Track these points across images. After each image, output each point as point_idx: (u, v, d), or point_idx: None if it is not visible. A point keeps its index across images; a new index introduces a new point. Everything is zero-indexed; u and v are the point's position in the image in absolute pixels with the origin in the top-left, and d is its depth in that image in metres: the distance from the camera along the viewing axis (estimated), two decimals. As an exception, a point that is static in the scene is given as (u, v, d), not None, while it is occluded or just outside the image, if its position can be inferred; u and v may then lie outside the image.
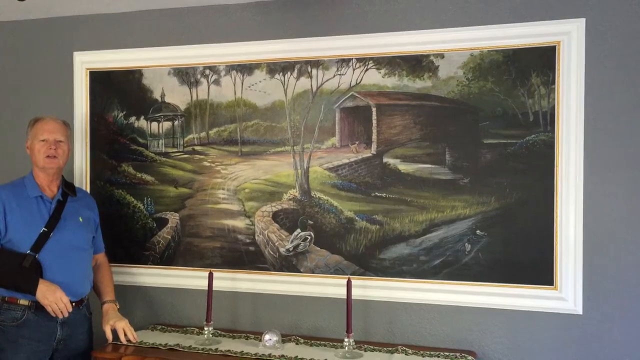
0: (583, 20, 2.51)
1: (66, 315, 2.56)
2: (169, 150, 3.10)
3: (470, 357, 2.55)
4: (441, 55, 2.69)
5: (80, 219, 2.74)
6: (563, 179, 2.53)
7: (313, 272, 2.86)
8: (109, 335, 2.69)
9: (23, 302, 2.55)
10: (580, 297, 2.53)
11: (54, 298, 2.51)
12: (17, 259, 2.53)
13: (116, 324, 2.69)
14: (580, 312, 2.54)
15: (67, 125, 2.80)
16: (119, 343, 2.67)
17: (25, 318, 2.54)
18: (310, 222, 2.87)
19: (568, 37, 2.52)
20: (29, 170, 2.74)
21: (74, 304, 2.60)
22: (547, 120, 2.56)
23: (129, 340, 2.68)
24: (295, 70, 2.88)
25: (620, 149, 2.49)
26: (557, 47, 2.54)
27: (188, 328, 2.94)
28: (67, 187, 2.77)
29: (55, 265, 2.58)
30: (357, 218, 2.80)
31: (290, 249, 2.90)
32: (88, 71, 3.19)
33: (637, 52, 2.47)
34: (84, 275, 2.72)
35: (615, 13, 2.48)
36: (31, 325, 2.55)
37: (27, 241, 2.56)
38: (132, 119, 3.15)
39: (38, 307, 2.54)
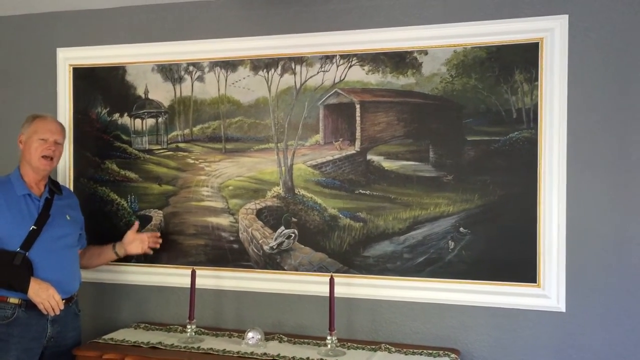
0: (566, 17, 2.50)
1: (58, 312, 2.55)
2: (153, 147, 3.08)
3: (453, 355, 2.55)
4: (425, 52, 2.67)
5: (68, 217, 2.74)
6: (546, 176, 2.53)
7: (297, 270, 2.85)
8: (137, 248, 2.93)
9: (13, 300, 2.53)
10: (563, 294, 2.52)
11: (46, 295, 2.51)
12: (7, 257, 2.51)
13: (141, 235, 2.92)
14: (564, 310, 2.53)
15: (64, 128, 2.80)
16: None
17: (15, 316, 2.53)
18: (294, 219, 2.86)
19: (551, 34, 2.51)
20: (12, 166, 2.72)
21: (64, 301, 2.59)
22: (530, 117, 2.55)
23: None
24: (279, 67, 2.87)
25: (602, 146, 2.49)
26: (540, 44, 2.53)
27: (171, 326, 2.93)
28: (54, 186, 2.76)
29: (45, 263, 2.57)
30: (340, 215, 2.79)
31: (274, 247, 2.89)
32: (71, 67, 3.17)
33: (620, 48, 2.46)
34: (73, 272, 2.72)
35: (598, 10, 2.48)
36: (22, 324, 2.53)
37: (17, 239, 2.55)
38: (116, 115, 3.12)
39: (28, 305, 2.53)
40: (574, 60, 2.50)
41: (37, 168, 2.65)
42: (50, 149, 2.65)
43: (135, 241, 2.93)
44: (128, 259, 3.07)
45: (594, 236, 2.50)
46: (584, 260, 2.51)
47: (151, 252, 2.98)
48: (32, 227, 2.58)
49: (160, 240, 2.99)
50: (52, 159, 2.67)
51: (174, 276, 3.02)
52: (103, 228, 3.10)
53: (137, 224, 2.98)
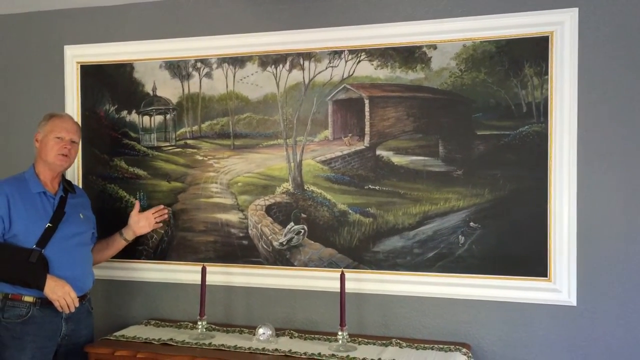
0: (576, 10, 2.48)
1: (73, 310, 2.56)
2: (161, 144, 3.08)
3: (464, 350, 2.55)
4: (434, 47, 2.67)
5: (81, 216, 2.76)
6: (556, 170, 2.52)
7: (306, 266, 2.85)
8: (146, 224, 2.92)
9: (28, 298, 2.54)
10: (574, 288, 2.52)
11: (62, 293, 2.52)
12: (24, 254, 2.52)
13: (143, 213, 2.93)
14: (574, 304, 2.53)
15: (80, 127, 2.82)
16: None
17: (30, 315, 2.54)
18: (303, 215, 2.86)
19: (561, 27, 2.50)
20: (24, 164, 2.73)
21: (78, 298, 2.60)
22: (541, 111, 2.54)
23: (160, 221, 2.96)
24: (287, 63, 2.86)
25: (613, 139, 2.48)
26: (550, 37, 2.52)
27: (182, 323, 2.94)
28: (67, 184, 2.78)
29: (60, 260, 2.58)
30: (350, 211, 2.79)
31: (284, 243, 2.89)
32: (79, 65, 3.16)
33: (630, 42, 2.45)
34: (87, 270, 2.74)
35: (608, 3, 2.47)
36: (36, 322, 2.55)
37: (32, 236, 2.56)
38: (124, 112, 3.12)
39: (43, 304, 2.54)
40: (585, 54, 2.49)
41: (53, 164, 2.66)
42: (66, 147, 2.67)
43: (141, 220, 2.94)
44: (137, 255, 3.09)
45: (604, 230, 2.50)
46: (595, 254, 2.51)
47: (160, 225, 2.99)
48: (48, 224, 2.59)
49: (166, 211, 2.99)
50: (68, 157, 2.68)
51: (184, 273, 3.02)
52: (112, 225, 3.09)
53: (138, 203, 2.97)
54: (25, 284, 2.52)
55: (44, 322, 2.56)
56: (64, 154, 2.66)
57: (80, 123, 3.14)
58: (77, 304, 2.57)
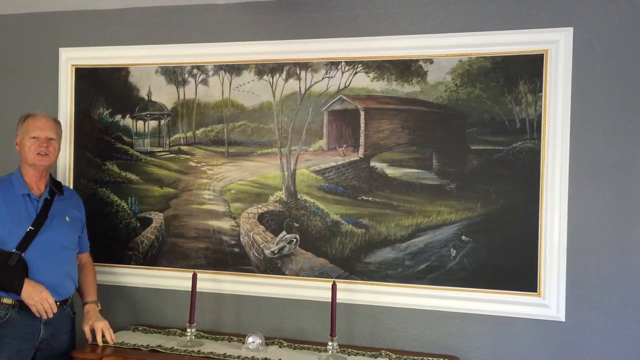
0: (571, 29, 2.53)
1: (51, 315, 2.53)
2: (155, 149, 3.07)
3: (453, 362, 2.57)
4: (430, 61, 2.69)
5: (67, 219, 2.71)
6: (548, 186, 2.55)
7: (298, 275, 2.85)
8: (88, 335, 2.66)
9: (7, 301, 2.51)
10: (563, 304, 2.55)
11: (39, 298, 2.48)
12: (3, 257, 2.49)
13: (95, 324, 2.66)
14: (563, 319, 2.55)
15: (58, 123, 2.77)
16: (96, 343, 2.63)
17: (8, 317, 2.51)
18: (296, 224, 2.86)
19: (556, 46, 2.54)
20: (16, 167, 2.70)
21: (58, 303, 2.57)
22: (534, 128, 2.58)
23: (106, 342, 2.64)
24: (284, 72, 2.87)
25: (605, 157, 2.52)
26: (545, 55, 2.56)
27: (170, 329, 2.92)
28: (55, 186, 2.74)
29: (40, 265, 2.54)
30: (343, 221, 2.80)
31: (276, 251, 2.89)
32: (74, 67, 3.15)
33: (624, 61, 2.50)
34: (69, 275, 2.69)
35: (603, 23, 2.51)
36: (15, 325, 2.51)
37: (13, 240, 2.52)
38: (118, 117, 3.11)
39: (22, 306, 2.51)
40: (578, 72, 2.53)
41: (34, 165, 2.63)
42: (43, 145, 2.63)
43: (90, 324, 2.66)
44: (127, 260, 3.07)
45: (594, 246, 2.53)
46: (585, 270, 2.54)
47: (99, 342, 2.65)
48: (30, 227, 2.56)
49: (105, 340, 2.64)
50: (47, 155, 2.64)
51: (173, 279, 3.01)
52: (102, 229, 3.08)
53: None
54: (2, 287, 2.48)
55: (22, 325, 2.52)
56: (42, 152, 2.62)
57: (73, 126, 3.14)
58: (54, 310, 2.53)
